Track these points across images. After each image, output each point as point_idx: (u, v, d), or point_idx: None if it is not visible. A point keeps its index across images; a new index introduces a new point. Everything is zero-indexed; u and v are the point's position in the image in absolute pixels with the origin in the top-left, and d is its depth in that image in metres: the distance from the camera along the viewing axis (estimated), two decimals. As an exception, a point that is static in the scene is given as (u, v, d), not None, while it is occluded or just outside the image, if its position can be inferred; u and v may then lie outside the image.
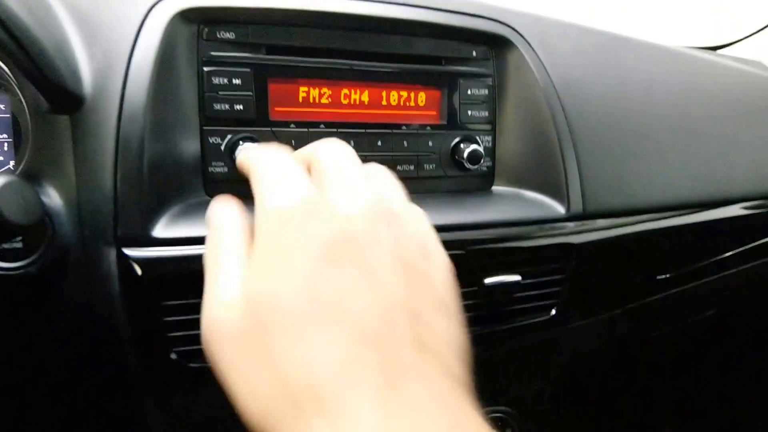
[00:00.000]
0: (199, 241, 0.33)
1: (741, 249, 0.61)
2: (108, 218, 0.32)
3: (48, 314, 0.34)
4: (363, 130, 0.42)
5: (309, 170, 0.26)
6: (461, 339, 0.23)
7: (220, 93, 0.37)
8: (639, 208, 0.50)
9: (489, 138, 0.47)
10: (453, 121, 0.45)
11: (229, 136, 0.38)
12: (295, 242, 0.21)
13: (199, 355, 0.35)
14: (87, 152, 0.33)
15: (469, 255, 0.41)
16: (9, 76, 0.35)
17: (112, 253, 0.32)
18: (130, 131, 0.32)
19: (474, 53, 0.45)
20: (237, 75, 0.38)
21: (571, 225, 0.45)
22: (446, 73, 0.44)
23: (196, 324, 0.34)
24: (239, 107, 0.38)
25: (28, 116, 0.34)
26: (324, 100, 0.41)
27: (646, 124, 0.52)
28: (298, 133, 0.40)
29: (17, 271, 0.31)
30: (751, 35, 0.86)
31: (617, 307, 0.53)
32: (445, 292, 0.24)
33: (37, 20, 0.30)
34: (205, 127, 0.37)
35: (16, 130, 0.37)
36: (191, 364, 0.35)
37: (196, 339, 0.34)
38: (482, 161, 0.45)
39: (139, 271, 0.32)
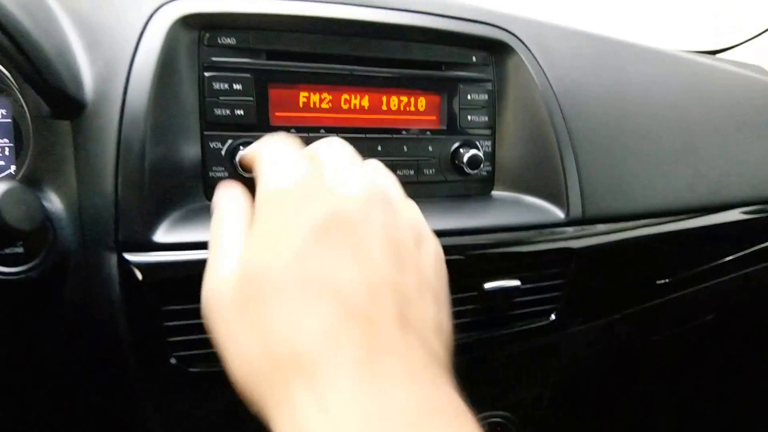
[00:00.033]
0: (200, 246, 0.33)
1: (740, 254, 0.61)
2: (109, 223, 0.32)
3: (48, 319, 0.34)
4: (363, 135, 0.42)
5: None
6: (445, 325, 0.24)
7: (221, 98, 0.38)
8: (638, 213, 0.50)
9: (489, 143, 0.47)
10: (453, 126, 0.45)
11: (229, 141, 0.38)
12: (291, 220, 0.23)
13: (199, 360, 0.35)
14: (88, 157, 0.33)
15: (469, 260, 0.42)
16: (10, 80, 0.35)
17: (113, 258, 0.32)
18: (131, 136, 0.33)
19: (473, 58, 0.46)
20: (238, 80, 0.38)
21: (570, 230, 0.45)
22: (446, 78, 0.45)
23: (196, 329, 0.34)
24: (240, 112, 0.38)
25: (29, 121, 0.34)
26: (324, 105, 0.41)
27: (646, 128, 0.52)
28: (299, 138, 0.40)
29: (18, 276, 0.31)
30: (750, 39, 0.86)
31: (617, 312, 0.53)
32: (434, 278, 0.25)
33: (38, 25, 0.30)
34: (205, 132, 0.38)
35: (17, 134, 0.37)
36: (191, 369, 0.35)
37: (196, 344, 0.34)
38: (482, 166, 0.45)
39: (139, 276, 0.32)
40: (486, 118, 0.46)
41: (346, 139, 0.41)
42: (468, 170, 0.44)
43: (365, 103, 0.42)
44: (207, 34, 0.37)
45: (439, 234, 0.39)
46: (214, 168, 0.38)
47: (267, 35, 0.39)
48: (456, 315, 0.41)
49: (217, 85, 0.37)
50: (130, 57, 0.33)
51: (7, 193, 0.27)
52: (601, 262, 0.49)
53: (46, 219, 0.31)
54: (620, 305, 0.53)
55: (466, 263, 0.41)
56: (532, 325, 0.46)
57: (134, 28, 0.34)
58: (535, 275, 0.45)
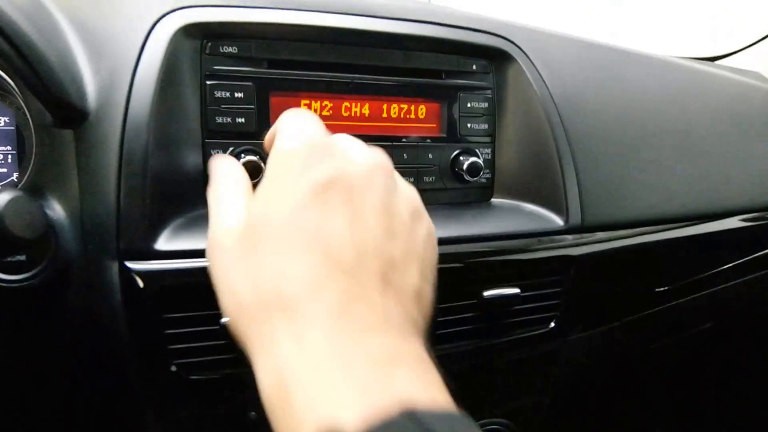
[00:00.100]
0: (201, 254, 0.33)
1: (739, 261, 0.61)
2: (111, 231, 0.32)
3: (50, 326, 0.34)
4: (364, 143, 0.42)
5: None
6: (426, 295, 0.26)
7: (223, 106, 0.38)
8: (638, 221, 0.50)
9: (488, 150, 0.47)
10: (453, 134, 0.46)
11: (230, 149, 0.38)
12: (295, 177, 0.24)
13: (200, 367, 0.35)
14: (90, 166, 0.33)
15: (468, 268, 0.42)
16: (14, 89, 0.35)
17: (115, 266, 0.33)
18: (133, 145, 0.33)
19: (474, 67, 0.46)
20: (239, 89, 0.38)
21: (569, 237, 0.46)
22: (446, 86, 0.45)
23: (196, 336, 0.34)
24: (241, 120, 0.38)
25: (32, 129, 0.34)
26: (325, 113, 0.41)
27: (645, 136, 0.52)
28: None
29: (20, 284, 0.31)
30: (749, 46, 0.86)
31: (616, 320, 0.53)
32: (422, 250, 0.26)
33: (43, 36, 0.31)
34: (207, 140, 0.38)
35: (19, 142, 0.37)
36: (192, 377, 0.35)
37: (197, 351, 0.35)
38: (481, 173, 0.45)
39: (141, 284, 0.33)
40: (486, 126, 0.47)
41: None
42: (468, 177, 0.45)
43: (366, 110, 0.43)
44: (209, 43, 0.37)
45: (439, 242, 0.40)
46: (215, 176, 0.38)
47: (268, 44, 0.39)
48: (456, 323, 0.42)
49: (218, 94, 0.38)
50: (132, 66, 0.34)
51: (10, 202, 0.27)
52: (600, 270, 0.49)
53: (49, 227, 0.31)
54: (619, 313, 0.53)
55: (465, 271, 0.42)
56: (532, 333, 0.46)
57: (137, 38, 0.34)
58: (535, 283, 0.45)
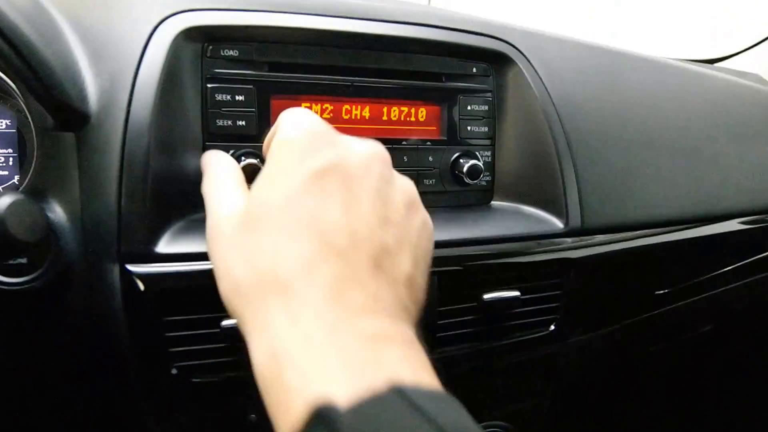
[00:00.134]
0: (202, 257, 0.33)
1: (739, 264, 0.61)
2: (112, 234, 0.32)
3: (51, 328, 0.34)
4: (364, 146, 0.42)
5: None
6: (419, 282, 0.26)
7: (223, 109, 0.38)
8: (637, 223, 0.50)
9: (488, 153, 0.47)
10: (453, 136, 0.46)
11: (231, 152, 0.38)
12: (294, 164, 0.25)
13: (201, 370, 0.35)
14: (92, 169, 0.33)
15: (468, 270, 0.42)
16: (15, 92, 0.35)
17: (115, 269, 0.33)
18: (135, 148, 0.33)
19: (474, 70, 0.46)
20: (240, 92, 0.38)
21: (569, 240, 0.46)
22: (446, 89, 0.45)
23: (197, 339, 0.34)
24: (242, 123, 0.39)
25: (33, 132, 0.34)
26: (326, 116, 0.42)
27: (644, 138, 0.52)
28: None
29: (21, 287, 0.31)
30: (748, 48, 0.87)
31: (616, 322, 0.53)
32: (417, 238, 0.27)
33: (44, 39, 0.31)
34: (207, 143, 0.38)
35: (20, 145, 0.37)
36: (193, 380, 0.35)
37: (198, 354, 0.35)
38: (481, 176, 0.45)
39: (141, 287, 0.33)
40: (486, 129, 0.47)
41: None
42: (468, 180, 0.45)
43: (366, 113, 0.43)
44: (210, 47, 0.38)
45: (439, 245, 0.40)
46: (216, 179, 0.38)
47: (269, 47, 0.39)
48: (456, 325, 0.42)
49: (219, 97, 0.38)
50: (134, 70, 0.34)
51: (12, 205, 0.27)
52: (600, 273, 0.49)
53: (50, 230, 0.32)
54: (619, 315, 0.53)
55: (465, 274, 0.42)
56: (532, 336, 0.46)
57: (138, 41, 0.34)
58: (535, 285, 0.45)
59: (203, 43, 0.37)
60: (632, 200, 0.50)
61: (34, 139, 0.34)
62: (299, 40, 0.40)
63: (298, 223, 0.23)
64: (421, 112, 0.45)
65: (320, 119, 0.28)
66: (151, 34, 0.35)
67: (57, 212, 0.33)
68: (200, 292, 0.33)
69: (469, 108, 0.46)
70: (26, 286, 0.31)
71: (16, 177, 0.37)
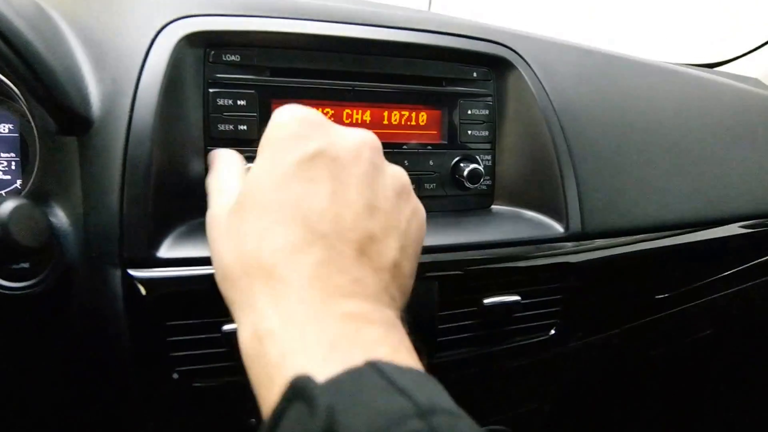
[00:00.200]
0: (203, 261, 0.33)
1: (739, 268, 0.61)
2: (114, 239, 0.32)
3: (53, 333, 0.34)
4: (365, 150, 0.42)
5: None
6: (406, 269, 0.26)
7: (225, 114, 0.38)
8: (637, 228, 0.50)
9: (489, 157, 0.47)
10: (453, 141, 0.46)
11: (233, 156, 0.38)
12: (283, 150, 0.25)
13: (202, 374, 0.35)
14: (94, 173, 0.33)
15: (469, 275, 0.42)
16: (19, 96, 0.35)
17: (117, 274, 0.33)
18: (137, 153, 0.33)
19: (474, 74, 0.46)
20: (241, 96, 0.39)
21: (569, 244, 0.46)
22: (447, 93, 0.45)
23: (199, 344, 0.34)
24: (243, 127, 0.39)
25: (36, 136, 0.34)
26: (326, 120, 0.42)
27: (645, 143, 0.52)
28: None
29: (23, 291, 0.31)
30: (748, 53, 0.87)
31: (616, 327, 0.53)
32: (407, 228, 0.27)
33: (48, 45, 0.31)
34: (209, 147, 0.38)
35: (23, 149, 0.38)
36: (194, 384, 0.35)
37: (199, 359, 0.35)
38: (482, 180, 0.45)
39: (143, 292, 0.33)
40: (486, 133, 0.47)
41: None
42: (468, 184, 0.45)
43: (367, 117, 0.43)
44: (212, 52, 0.38)
45: (439, 249, 0.40)
46: (217, 183, 0.38)
47: (270, 52, 0.39)
48: (456, 330, 0.42)
49: (221, 101, 0.38)
50: (136, 75, 0.34)
51: (15, 210, 0.27)
52: (600, 277, 0.49)
53: (52, 235, 0.32)
54: (619, 320, 0.53)
55: (465, 278, 0.42)
56: (532, 340, 0.46)
57: (141, 47, 0.35)
58: (535, 290, 0.45)
59: (205, 48, 0.37)
60: (632, 204, 0.50)
61: (37, 143, 0.34)
62: (300, 45, 0.40)
63: (284, 209, 0.24)
64: (422, 116, 0.45)
65: (312, 110, 0.28)
66: (154, 40, 0.35)
67: (59, 217, 0.33)
68: (201, 297, 0.33)
69: (469, 112, 0.46)
70: (28, 290, 0.31)
71: (19, 181, 0.38)
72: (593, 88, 0.51)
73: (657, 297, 0.55)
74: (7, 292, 0.31)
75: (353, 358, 0.20)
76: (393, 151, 0.44)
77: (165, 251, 0.34)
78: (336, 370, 0.19)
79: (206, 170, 0.38)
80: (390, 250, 0.25)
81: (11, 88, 0.35)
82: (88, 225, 0.33)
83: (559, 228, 0.45)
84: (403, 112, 0.44)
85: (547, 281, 0.45)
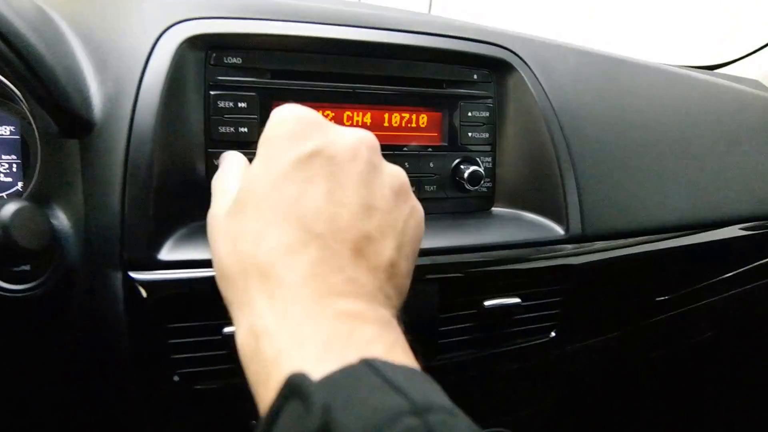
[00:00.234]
0: (204, 263, 0.33)
1: (739, 270, 0.61)
2: (115, 241, 0.33)
3: (53, 335, 0.34)
4: (365, 152, 0.42)
5: None
6: (402, 269, 0.26)
7: (226, 116, 0.38)
8: (638, 230, 0.50)
9: (489, 159, 0.47)
10: (454, 143, 0.46)
11: (234, 158, 0.38)
12: (281, 149, 0.25)
13: (203, 377, 0.35)
14: (96, 176, 0.33)
15: (469, 277, 0.42)
16: (20, 99, 0.35)
17: (118, 276, 0.33)
18: (138, 155, 0.33)
19: (475, 76, 0.46)
20: (243, 99, 0.39)
21: (570, 247, 0.46)
22: (447, 95, 0.45)
23: (200, 346, 0.34)
24: (244, 130, 0.39)
25: (37, 138, 0.34)
26: (327, 122, 0.42)
27: (645, 145, 0.52)
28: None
29: (24, 293, 0.31)
30: (748, 55, 0.87)
31: (616, 329, 0.53)
32: (405, 228, 0.27)
33: (50, 48, 0.31)
34: (210, 150, 0.38)
35: (24, 151, 0.38)
36: (195, 386, 0.35)
37: (200, 361, 0.35)
38: (482, 182, 0.45)
39: (144, 294, 0.33)
40: (486, 135, 0.47)
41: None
42: (468, 186, 0.45)
43: (367, 119, 0.43)
44: (213, 54, 0.38)
45: (440, 251, 0.40)
46: (218, 185, 0.38)
47: (272, 55, 0.39)
48: (457, 332, 0.42)
49: (222, 104, 0.38)
50: (138, 77, 0.34)
51: (16, 212, 0.27)
52: (600, 279, 0.49)
53: (53, 237, 0.32)
54: (620, 322, 0.53)
55: (466, 280, 0.42)
56: (533, 342, 0.46)
57: (143, 49, 0.35)
58: (536, 292, 0.45)
59: (206, 51, 0.37)
60: (632, 207, 0.50)
61: (38, 145, 0.34)
62: (301, 47, 0.40)
63: (280, 209, 0.24)
64: (422, 118, 0.45)
65: (310, 109, 0.28)
66: (156, 42, 0.35)
67: (60, 219, 0.33)
68: (202, 299, 0.33)
69: (469, 114, 0.46)
70: (29, 293, 0.31)
71: (20, 183, 0.38)
72: (594, 91, 0.51)
73: (657, 299, 0.55)
74: (7, 294, 0.31)
75: (348, 356, 0.20)
76: (393, 153, 0.44)
77: (166, 253, 0.34)
78: (331, 368, 0.19)
79: (208, 172, 0.38)
80: (386, 249, 0.25)
81: (12, 90, 0.35)
82: (89, 227, 0.33)
83: (559, 230, 0.45)
84: (403, 114, 0.44)
85: (548, 283, 0.45)
